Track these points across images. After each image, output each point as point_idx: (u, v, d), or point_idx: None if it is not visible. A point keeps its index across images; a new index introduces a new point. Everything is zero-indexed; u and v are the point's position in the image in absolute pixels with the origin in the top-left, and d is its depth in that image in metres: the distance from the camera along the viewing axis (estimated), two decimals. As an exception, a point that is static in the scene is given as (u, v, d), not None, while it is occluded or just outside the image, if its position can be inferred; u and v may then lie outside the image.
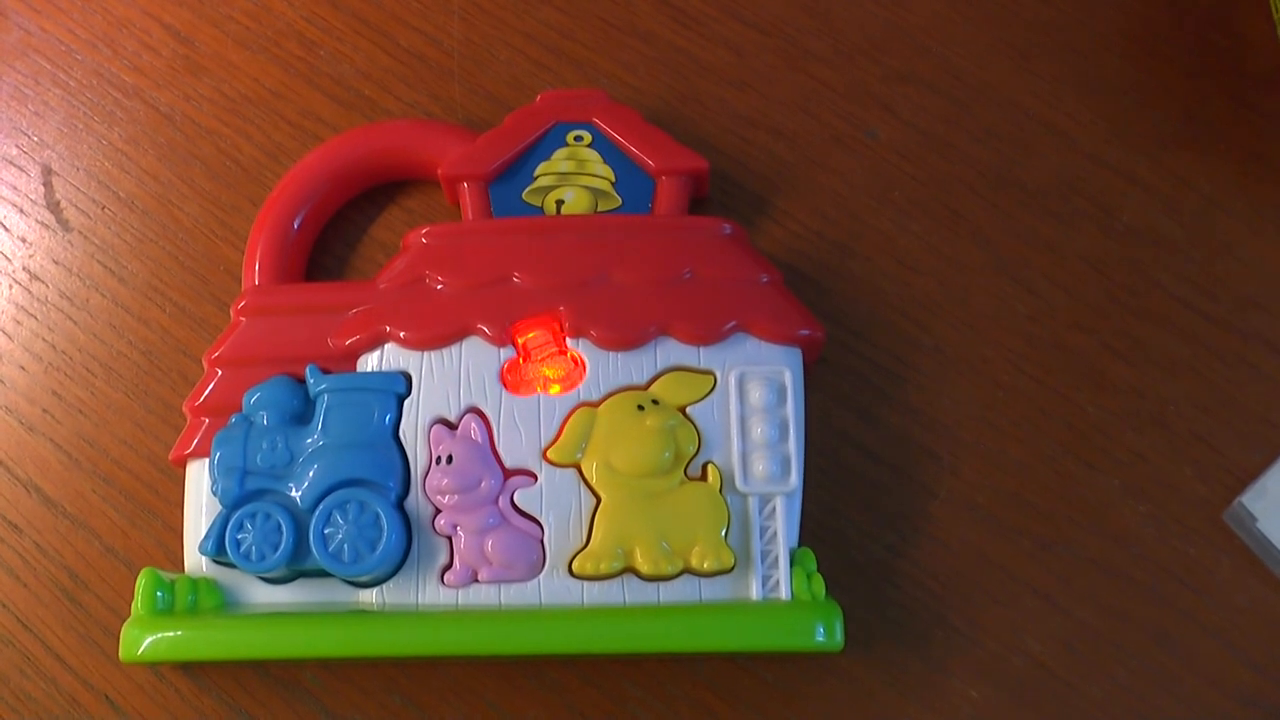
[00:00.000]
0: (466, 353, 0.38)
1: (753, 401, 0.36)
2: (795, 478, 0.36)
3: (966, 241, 0.42)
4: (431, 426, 0.37)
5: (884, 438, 0.39)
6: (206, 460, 0.37)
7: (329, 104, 0.45)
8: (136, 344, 0.42)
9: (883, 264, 0.41)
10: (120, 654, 0.35)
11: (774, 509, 0.36)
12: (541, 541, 0.36)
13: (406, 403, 0.37)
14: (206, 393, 0.38)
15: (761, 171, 0.43)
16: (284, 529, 0.36)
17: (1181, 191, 0.42)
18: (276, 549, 0.35)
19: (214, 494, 0.36)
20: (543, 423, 0.37)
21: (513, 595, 0.35)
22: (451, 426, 0.37)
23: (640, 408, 0.36)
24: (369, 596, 0.36)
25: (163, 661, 0.37)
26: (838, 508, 0.39)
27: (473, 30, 0.46)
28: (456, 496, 0.36)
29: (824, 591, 0.35)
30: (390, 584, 0.36)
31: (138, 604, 0.36)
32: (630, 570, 0.35)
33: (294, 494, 0.36)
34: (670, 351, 0.37)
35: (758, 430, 0.36)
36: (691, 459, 0.36)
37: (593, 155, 0.41)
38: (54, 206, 0.44)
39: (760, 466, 0.36)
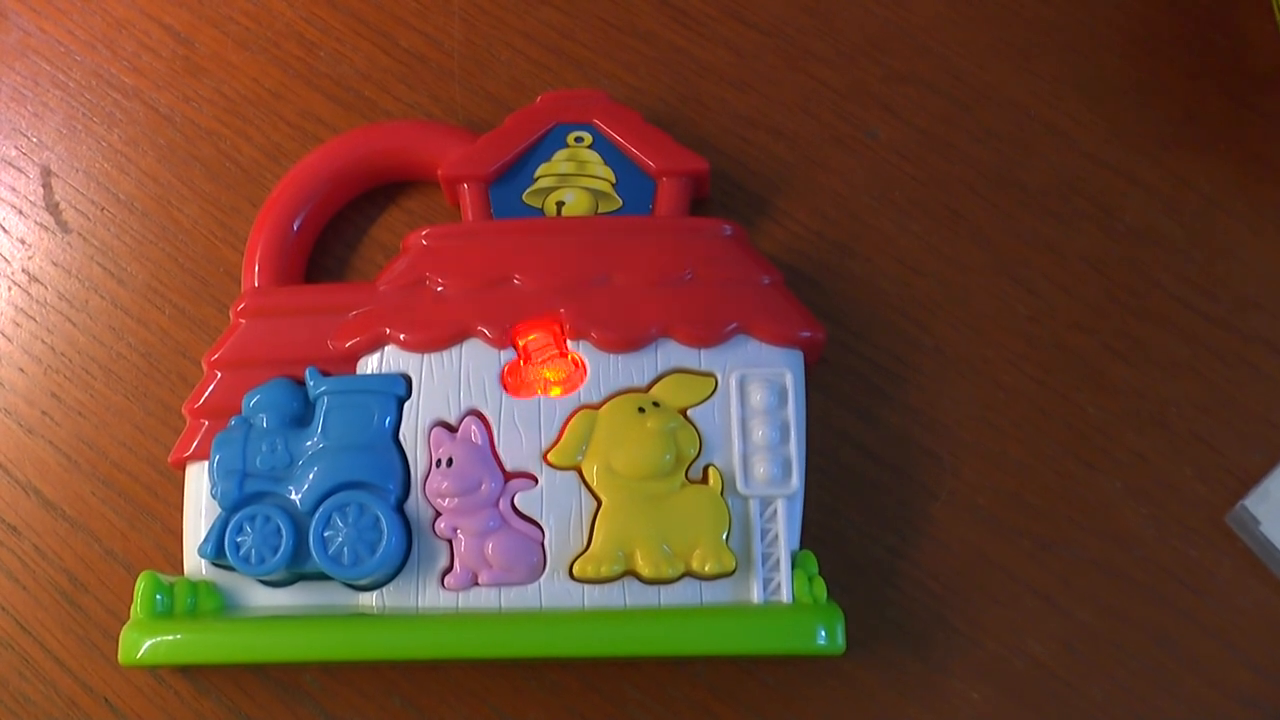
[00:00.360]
0: (467, 355, 0.38)
1: (754, 403, 0.36)
2: (796, 480, 0.36)
3: (967, 242, 0.42)
4: (431, 429, 0.37)
5: (884, 438, 0.39)
6: (206, 463, 0.37)
7: (329, 105, 0.45)
8: (136, 346, 0.42)
9: (883, 264, 0.41)
10: (119, 657, 0.35)
11: (775, 512, 0.36)
12: (542, 544, 0.36)
13: (406, 405, 0.37)
14: (206, 395, 0.38)
15: (762, 172, 0.43)
16: (284, 532, 0.35)
17: (1182, 192, 0.42)
18: (276, 552, 0.35)
19: (213, 496, 0.36)
20: (543, 425, 0.37)
21: (513, 598, 0.35)
22: (452, 429, 0.37)
23: (641, 410, 0.36)
24: (369, 599, 0.36)
25: (162, 664, 0.37)
26: (838, 508, 0.39)
27: (473, 31, 0.45)
28: (456, 499, 0.36)
29: (825, 594, 0.35)
30: (390, 587, 0.36)
31: (137, 607, 0.36)
32: (631, 573, 0.35)
33: (294, 497, 0.36)
34: (671, 353, 0.37)
35: (759, 432, 0.36)
36: (692, 461, 0.36)
37: (593, 156, 0.41)
38: (53, 208, 0.44)
39: (761, 469, 0.36)
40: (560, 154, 0.41)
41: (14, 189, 0.45)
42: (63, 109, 0.46)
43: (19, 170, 0.45)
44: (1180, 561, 0.38)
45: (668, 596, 0.35)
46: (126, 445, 0.41)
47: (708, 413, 0.36)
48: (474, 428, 0.37)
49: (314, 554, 0.35)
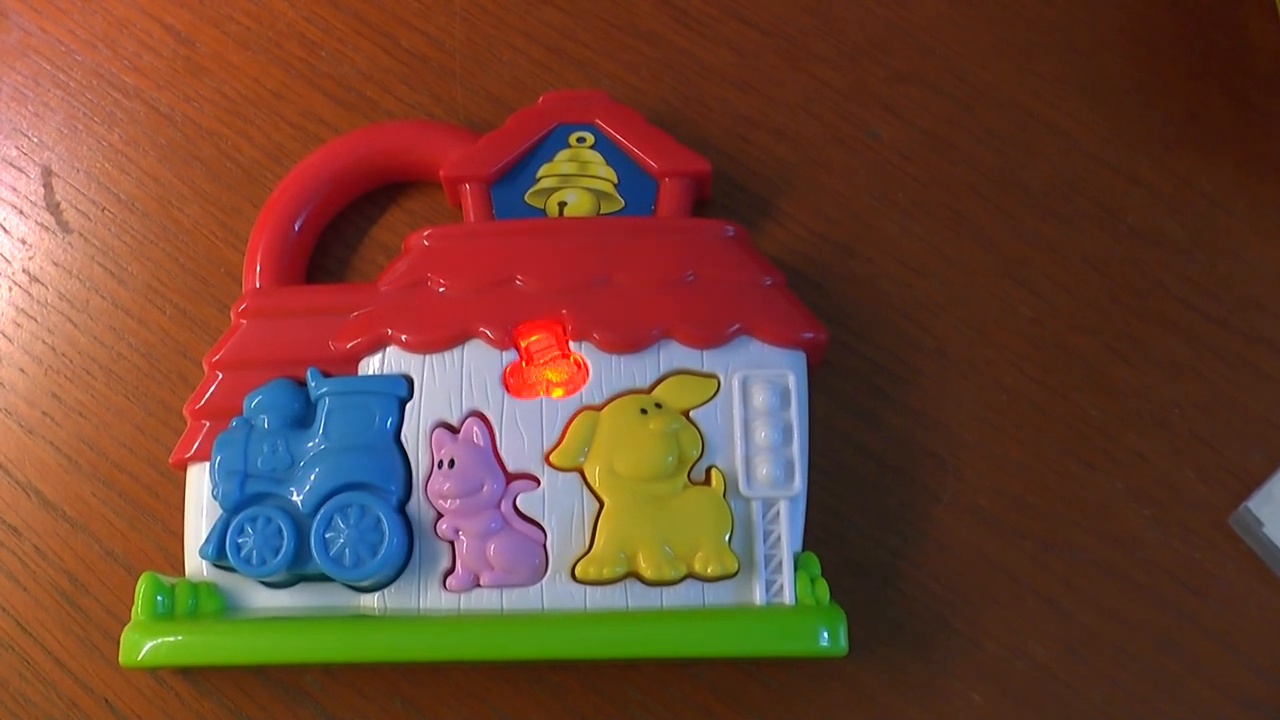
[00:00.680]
0: (468, 356, 0.37)
1: (756, 405, 0.36)
2: (799, 482, 0.36)
3: (969, 242, 0.42)
4: (433, 430, 0.37)
5: (886, 440, 0.39)
6: (207, 464, 0.37)
7: (330, 105, 0.45)
8: (136, 346, 0.42)
9: (885, 265, 0.41)
10: (120, 658, 0.35)
11: (778, 513, 0.36)
12: (544, 546, 0.36)
13: (408, 406, 0.37)
14: (207, 396, 0.38)
15: (764, 173, 0.43)
16: (285, 533, 0.35)
17: (1184, 192, 0.42)
18: (278, 553, 0.35)
19: (214, 498, 0.36)
20: (545, 426, 0.37)
21: (515, 600, 0.35)
22: (453, 430, 0.37)
23: (643, 411, 0.36)
24: (370, 601, 0.36)
25: (163, 666, 0.36)
26: (840, 510, 0.39)
27: (474, 31, 0.45)
28: (458, 500, 0.36)
29: (828, 596, 0.35)
30: (392, 588, 0.36)
31: (138, 608, 0.36)
32: (633, 575, 0.35)
33: (295, 498, 0.36)
34: (673, 355, 0.37)
35: (761, 434, 0.36)
36: (695, 463, 0.36)
37: (595, 157, 0.40)
38: (54, 208, 0.44)
39: (764, 471, 0.36)
40: (562, 154, 0.41)
41: (15, 189, 0.45)
42: (63, 109, 0.45)
43: (20, 170, 0.45)
44: (1182, 563, 0.38)
45: (670, 598, 0.35)
46: (127, 446, 0.41)
47: (710, 414, 0.36)
48: (476, 429, 0.36)
49: (315, 555, 0.35)
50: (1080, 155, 0.42)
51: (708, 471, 0.36)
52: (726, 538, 0.35)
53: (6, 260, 0.44)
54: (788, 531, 0.35)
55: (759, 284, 0.38)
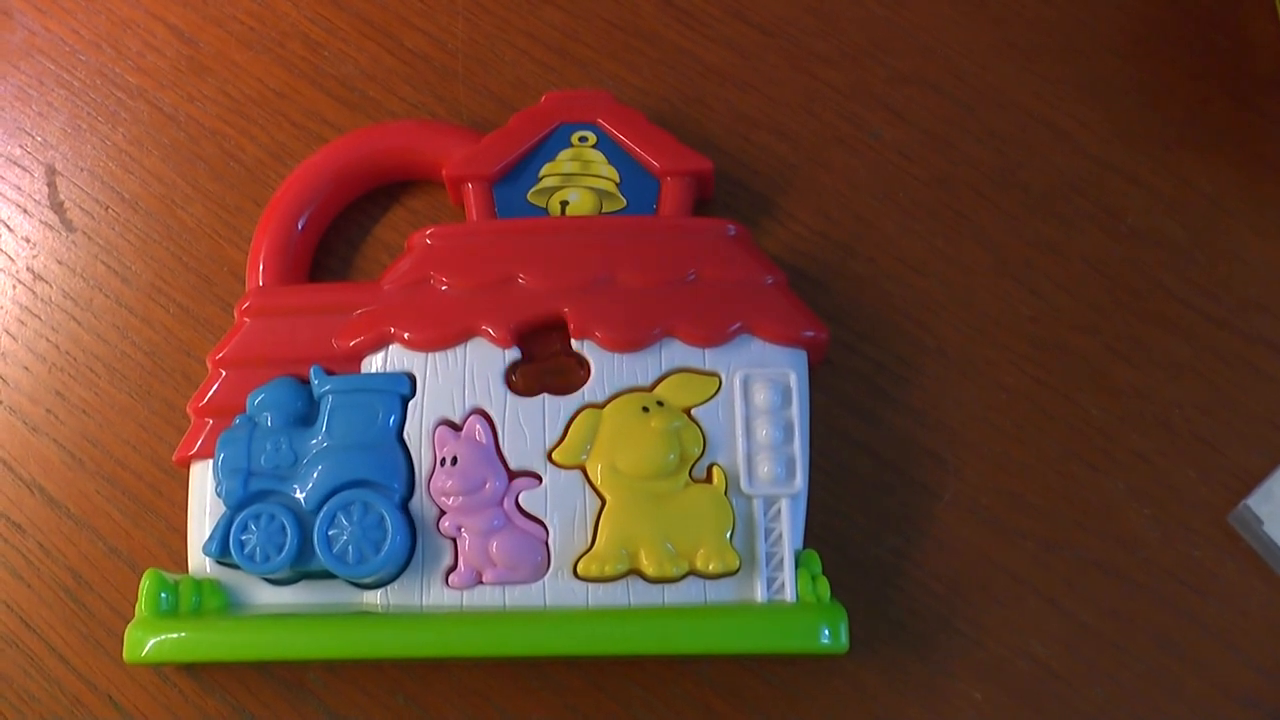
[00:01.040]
0: (471, 354, 0.38)
1: (758, 403, 0.36)
2: (800, 480, 0.36)
3: (970, 242, 0.42)
4: (436, 428, 0.37)
5: (887, 439, 0.39)
6: (210, 461, 0.37)
7: (333, 104, 0.45)
8: (140, 345, 0.42)
9: (886, 265, 0.41)
10: (124, 655, 0.35)
11: (779, 511, 0.36)
12: (546, 543, 0.36)
13: (411, 404, 0.37)
14: (210, 394, 0.38)
15: (765, 172, 0.43)
16: (288, 530, 0.36)
17: (1185, 193, 0.42)
18: (281, 550, 0.35)
19: (218, 495, 0.36)
20: (547, 424, 0.37)
21: (517, 597, 0.35)
22: (456, 428, 0.37)
23: (645, 409, 0.36)
24: (373, 598, 0.36)
25: (166, 662, 0.37)
26: (841, 509, 0.39)
27: (477, 31, 0.45)
28: (461, 498, 0.36)
29: (829, 594, 0.35)
30: (394, 585, 0.36)
31: (141, 605, 0.36)
32: (635, 572, 0.35)
33: (298, 495, 0.36)
34: (675, 353, 0.37)
35: (763, 432, 0.36)
36: (696, 461, 0.36)
37: (597, 156, 0.41)
38: (58, 207, 0.44)
39: (765, 468, 0.36)
40: (564, 154, 0.41)
41: (19, 188, 0.45)
42: (67, 108, 0.46)
43: (24, 169, 0.45)
44: (1183, 562, 0.38)
45: (672, 595, 0.35)
46: (131, 443, 0.41)
47: (712, 412, 0.37)
48: (478, 426, 0.37)
49: (319, 552, 0.35)
50: (1081, 155, 0.43)
51: (709, 469, 0.36)
52: (728, 535, 0.35)
53: (11, 259, 0.44)
54: (789, 529, 0.35)
55: (760, 283, 0.38)
